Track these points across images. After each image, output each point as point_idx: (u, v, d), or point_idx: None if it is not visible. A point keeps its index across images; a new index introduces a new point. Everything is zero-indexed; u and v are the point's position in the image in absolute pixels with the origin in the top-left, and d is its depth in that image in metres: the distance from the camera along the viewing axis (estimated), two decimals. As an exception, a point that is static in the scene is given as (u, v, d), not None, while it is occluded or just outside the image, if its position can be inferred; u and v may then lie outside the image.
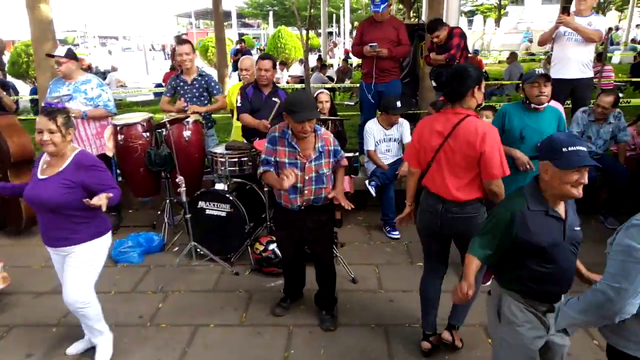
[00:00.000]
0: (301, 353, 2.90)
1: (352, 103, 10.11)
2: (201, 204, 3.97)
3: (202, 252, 3.95)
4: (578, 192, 1.80)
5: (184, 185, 3.69)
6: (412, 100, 6.83)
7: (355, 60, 13.91)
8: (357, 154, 4.56)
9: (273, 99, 4.17)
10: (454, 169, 2.47)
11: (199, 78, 4.59)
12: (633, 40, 21.74)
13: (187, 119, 4.15)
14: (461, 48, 4.91)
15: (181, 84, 4.63)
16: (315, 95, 4.71)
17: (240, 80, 4.73)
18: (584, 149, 1.77)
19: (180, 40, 5.10)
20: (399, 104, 4.42)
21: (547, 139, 1.88)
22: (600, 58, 8.47)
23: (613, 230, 5.14)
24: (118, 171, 4.74)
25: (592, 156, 4.40)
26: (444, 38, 4.96)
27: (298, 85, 10.82)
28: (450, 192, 2.49)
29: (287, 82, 12.23)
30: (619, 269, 1.51)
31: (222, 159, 3.95)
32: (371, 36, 4.89)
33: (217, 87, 4.68)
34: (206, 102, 4.68)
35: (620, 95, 9.29)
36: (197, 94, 4.60)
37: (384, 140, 4.59)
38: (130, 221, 4.84)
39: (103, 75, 14.25)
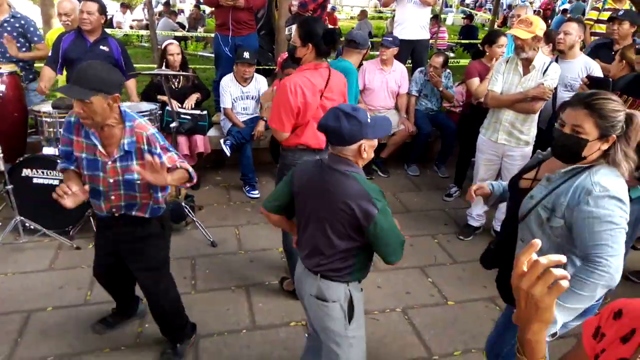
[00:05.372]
0: (154, 326, 2.70)
1: (211, 54, 9.39)
2: (26, 172, 3.42)
3: (32, 227, 3.44)
4: None
5: (-1, 150, 3.11)
6: (268, 54, 6.68)
7: (208, 7, 12.99)
8: (204, 112, 4.32)
9: (101, 47, 3.64)
10: None
11: (12, 20, 3.81)
12: (462, 3, 24.29)
13: (-2, 70, 3.45)
14: (318, 2, 4.90)
15: (-13, 24, 3.80)
16: (163, 46, 4.29)
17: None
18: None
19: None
20: (247, 54, 4.27)
21: (348, 122, 1.66)
22: (437, 19, 9.30)
23: (445, 178, 5.77)
24: None
25: (429, 112, 4.91)
26: None
27: (143, 32, 9.80)
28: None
29: (131, 27, 10.98)
30: (607, 238, 1.52)
31: (50, 119, 3.39)
32: (225, -16, 4.56)
33: (37, 33, 3.94)
34: (24, 50, 3.92)
35: (452, 55, 10.44)
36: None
37: (240, 98, 4.42)
38: None
39: None
